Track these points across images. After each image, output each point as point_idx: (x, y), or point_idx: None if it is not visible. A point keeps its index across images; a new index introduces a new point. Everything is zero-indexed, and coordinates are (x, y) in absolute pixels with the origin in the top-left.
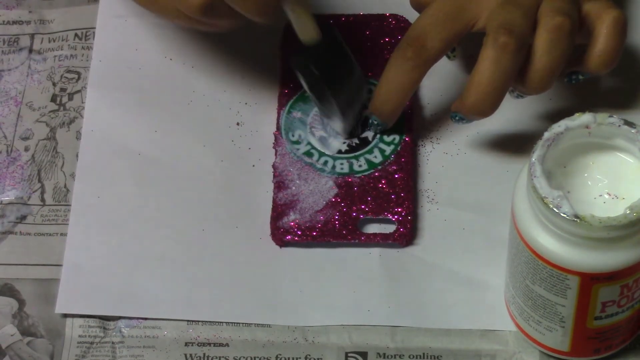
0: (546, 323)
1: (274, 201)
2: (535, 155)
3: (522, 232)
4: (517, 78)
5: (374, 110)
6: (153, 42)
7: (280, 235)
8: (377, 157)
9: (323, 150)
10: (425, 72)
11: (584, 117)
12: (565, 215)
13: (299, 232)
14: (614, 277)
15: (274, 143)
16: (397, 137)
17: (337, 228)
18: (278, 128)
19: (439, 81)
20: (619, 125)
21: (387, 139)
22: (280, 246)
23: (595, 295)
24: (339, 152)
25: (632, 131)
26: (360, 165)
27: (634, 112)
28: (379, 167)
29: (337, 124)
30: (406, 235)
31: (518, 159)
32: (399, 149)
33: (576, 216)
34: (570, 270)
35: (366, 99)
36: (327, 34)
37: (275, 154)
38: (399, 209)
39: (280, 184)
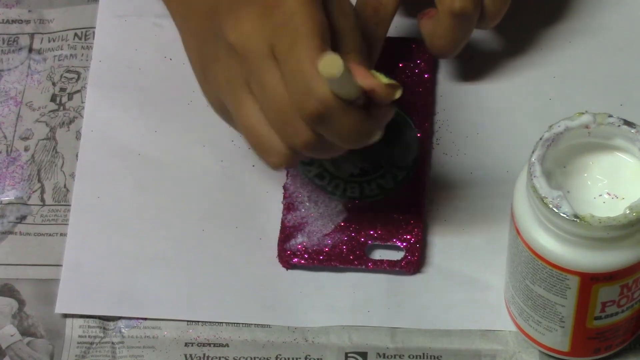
0: (546, 323)
1: (282, 223)
2: (535, 155)
3: (522, 232)
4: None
5: None
6: (153, 42)
7: (287, 258)
8: (388, 182)
9: (335, 173)
10: (388, 27)
11: (584, 117)
12: (564, 215)
13: (306, 256)
14: (614, 277)
15: None
16: (410, 163)
17: (345, 253)
18: None
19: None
20: (619, 125)
21: (400, 164)
22: (287, 268)
23: (595, 295)
24: (351, 175)
25: (632, 131)
26: (371, 190)
27: (633, 111)
28: (390, 193)
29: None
30: (414, 263)
31: (518, 159)
32: (411, 175)
33: (576, 216)
34: (570, 270)
35: None
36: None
37: (287, 175)
38: (408, 236)
39: (289, 206)
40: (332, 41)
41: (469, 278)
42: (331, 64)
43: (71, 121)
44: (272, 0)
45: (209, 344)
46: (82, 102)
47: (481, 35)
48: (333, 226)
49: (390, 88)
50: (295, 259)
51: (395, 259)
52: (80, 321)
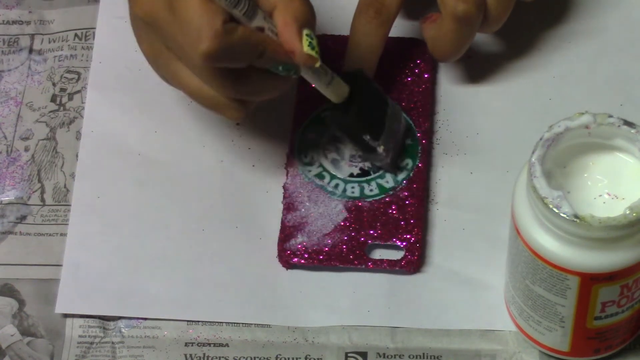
0: (546, 323)
1: (283, 222)
2: (535, 156)
3: (522, 232)
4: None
5: None
6: None
7: (287, 258)
8: (389, 182)
9: (335, 173)
10: (390, 28)
11: (584, 117)
12: (565, 216)
13: (306, 255)
14: (614, 277)
15: (285, 163)
16: (410, 163)
17: (345, 253)
18: (291, 148)
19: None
20: (619, 126)
21: (400, 164)
22: (287, 268)
23: (595, 295)
24: (351, 175)
25: (632, 131)
26: (371, 190)
27: (633, 111)
28: (390, 193)
29: (381, 161)
30: (414, 262)
31: (518, 159)
32: (411, 174)
33: (576, 216)
34: (570, 271)
35: (403, 129)
36: (350, 80)
37: (287, 175)
38: (408, 236)
39: (289, 205)
40: None
41: (469, 278)
42: None
43: (71, 121)
44: None
45: (209, 344)
46: (82, 103)
47: (481, 35)
48: (333, 226)
49: (308, 57)
50: (295, 259)
51: (395, 259)
52: (80, 321)
